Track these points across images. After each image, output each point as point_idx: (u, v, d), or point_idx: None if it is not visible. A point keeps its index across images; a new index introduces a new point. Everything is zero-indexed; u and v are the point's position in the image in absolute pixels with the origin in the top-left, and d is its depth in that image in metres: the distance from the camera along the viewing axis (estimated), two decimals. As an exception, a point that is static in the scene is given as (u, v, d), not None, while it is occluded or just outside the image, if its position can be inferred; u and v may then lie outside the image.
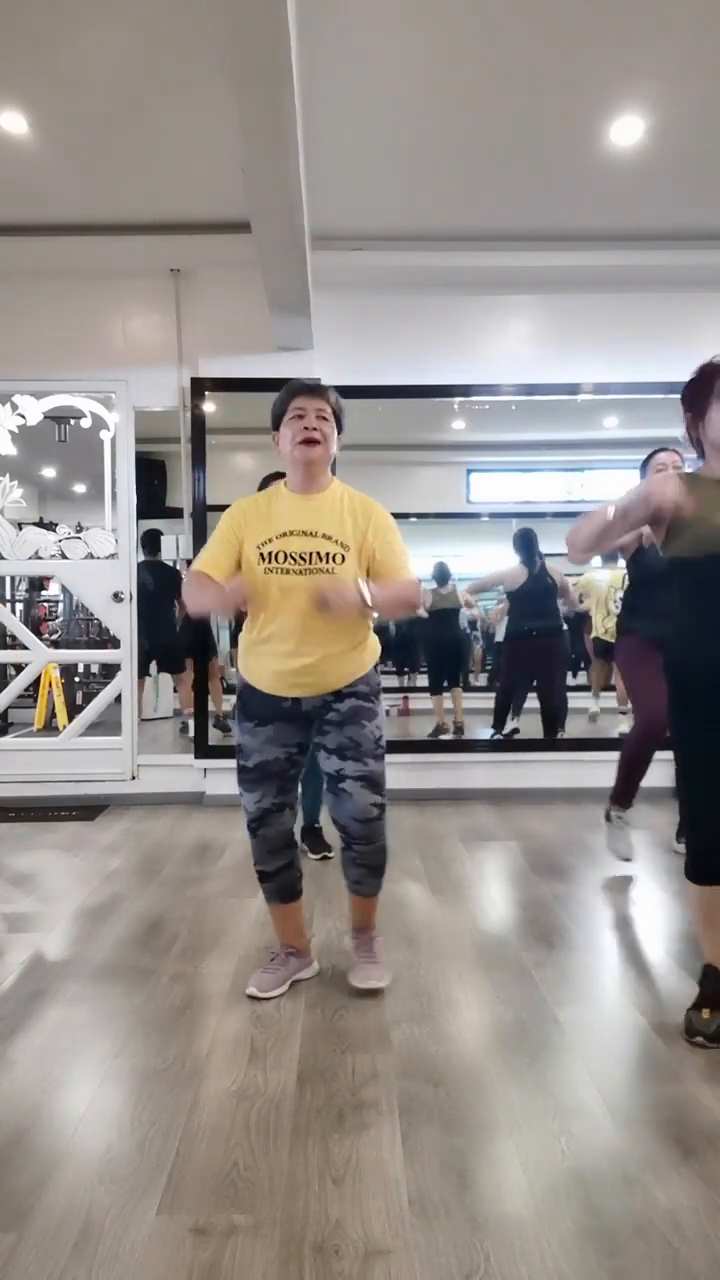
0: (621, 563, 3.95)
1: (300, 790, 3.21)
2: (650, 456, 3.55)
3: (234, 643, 2.48)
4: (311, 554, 2.22)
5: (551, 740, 5.34)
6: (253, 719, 2.33)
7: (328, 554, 2.23)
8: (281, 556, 2.23)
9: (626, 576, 3.77)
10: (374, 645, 2.39)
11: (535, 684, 5.65)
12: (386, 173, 4.10)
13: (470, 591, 6.76)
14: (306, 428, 2.25)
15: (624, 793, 3.57)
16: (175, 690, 6.92)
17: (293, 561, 2.22)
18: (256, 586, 2.23)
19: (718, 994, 2.14)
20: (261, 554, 2.24)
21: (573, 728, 6.04)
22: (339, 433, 2.36)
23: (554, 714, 5.52)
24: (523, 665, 5.76)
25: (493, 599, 6.57)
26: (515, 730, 5.76)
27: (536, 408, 5.38)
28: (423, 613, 7.25)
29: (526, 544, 5.69)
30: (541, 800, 4.78)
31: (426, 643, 7.24)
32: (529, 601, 5.70)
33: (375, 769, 2.33)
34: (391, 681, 8.02)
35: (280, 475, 2.55)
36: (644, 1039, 2.14)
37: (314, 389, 2.32)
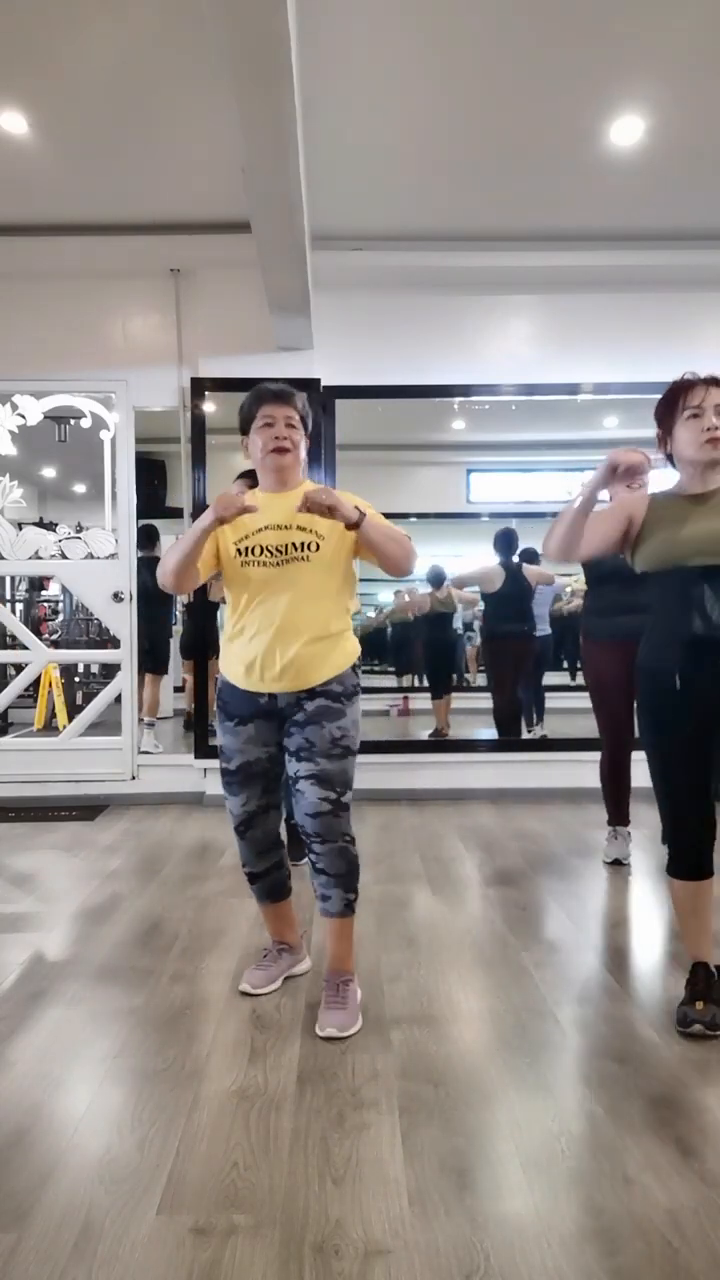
0: None
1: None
2: None
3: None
4: (287, 545, 2.24)
5: (552, 741, 5.34)
6: (232, 718, 2.33)
7: (303, 544, 2.25)
8: (258, 550, 2.25)
9: (584, 579, 3.78)
10: (352, 645, 2.37)
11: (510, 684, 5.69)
12: (386, 173, 4.10)
13: (453, 586, 6.81)
14: (277, 437, 2.29)
15: (616, 812, 3.63)
16: (178, 689, 6.92)
17: (269, 554, 2.24)
18: (235, 580, 2.28)
19: (708, 987, 2.18)
20: (238, 549, 2.27)
21: (572, 727, 6.05)
22: (306, 434, 2.38)
23: (515, 712, 5.58)
24: (503, 665, 5.78)
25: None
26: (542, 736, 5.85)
27: (536, 408, 5.39)
28: (412, 614, 7.31)
29: (506, 545, 5.70)
30: (541, 800, 4.78)
31: (423, 647, 7.27)
32: (506, 604, 5.73)
33: (327, 767, 2.25)
34: (390, 683, 8.05)
35: (249, 474, 2.58)
36: (644, 1039, 2.14)
37: (281, 395, 2.32)
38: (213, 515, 2.15)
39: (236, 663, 2.31)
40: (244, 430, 2.36)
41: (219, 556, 2.31)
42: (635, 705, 2.29)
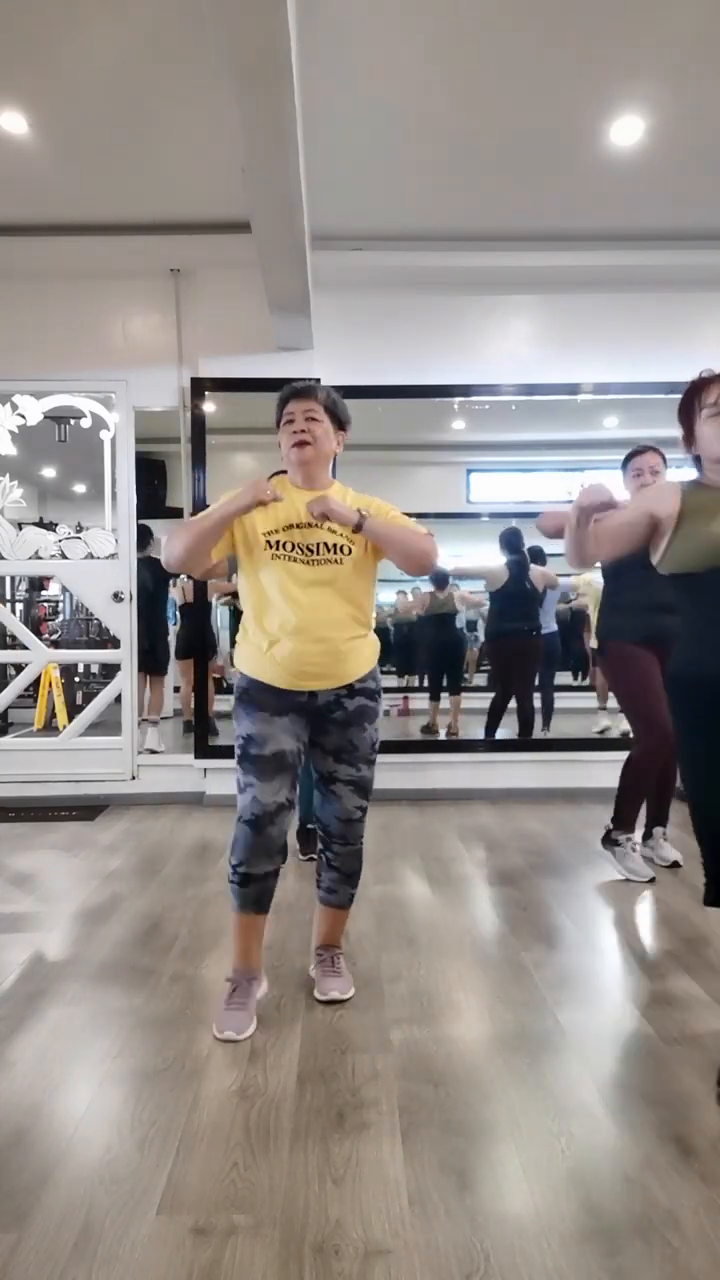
0: None
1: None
2: (630, 457, 3.51)
3: (234, 642, 2.43)
4: (319, 544, 2.25)
5: (552, 741, 5.34)
6: (264, 709, 2.26)
7: (335, 545, 2.25)
8: (289, 546, 2.24)
9: (603, 573, 3.63)
10: (375, 640, 2.40)
11: (512, 684, 5.68)
12: (386, 173, 4.10)
13: (454, 579, 6.81)
14: (295, 431, 2.30)
15: (628, 817, 3.46)
16: (176, 689, 6.92)
17: (300, 552, 2.23)
18: (261, 572, 2.25)
19: None
20: (269, 542, 2.25)
21: (572, 727, 6.06)
22: (341, 427, 2.37)
23: (529, 715, 5.56)
24: (504, 665, 5.78)
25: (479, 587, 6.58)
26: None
27: (536, 408, 5.39)
28: (416, 613, 7.31)
29: (512, 545, 5.70)
30: (541, 800, 4.78)
31: (423, 646, 7.28)
32: (510, 603, 5.72)
33: (367, 775, 2.35)
34: (390, 683, 8.05)
35: (283, 473, 2.56)
36: (644, 1039, 2.14)
37: (301, 391, 2.33)
38: (249, 497, 2.17)
39: (268, 662, 2.24)
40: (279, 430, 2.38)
41: (241, 544, 2.28)
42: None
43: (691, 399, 2.07)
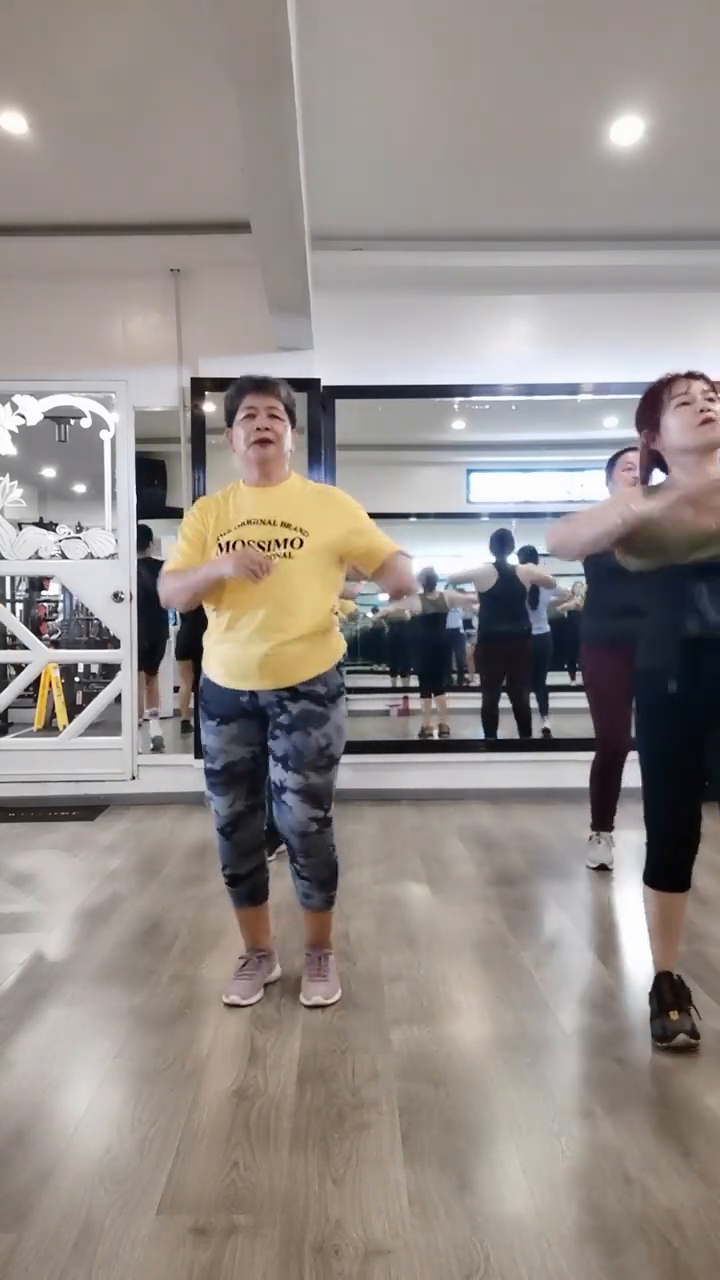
0: None
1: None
2: (616, 457, 3.54)
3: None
4: (270, 542, 2.21)
5: (551, 741, 5.34)
6: (214, 717, 2.31)
7: (285, 540, 2.22)
8: (240, 546, 2.21)
9: (586, 577, 3.72)
10: (336, 643, 2.34)
11: (506, 684, 5.68)
12: (386, 173, 4.10)
13: (449, 586, 6.83)
14: (259, 428, 2.25)
15: (600, 818, 3.60)
16: (176, 689, 6.92)
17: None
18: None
19: (677, 997, 2.12)
20: (220, 545, 2.24)
21: (571, 727, 6.05)
22: (292, 426, 2.35)
23: (526, 715, 5.56)
24: (494, 666, 5.78)
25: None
26: (546, 730, 5.81)
27: (536, 408, 5.39)
28: (409, 612, 7.33)
29: (500, 545, 5.71)
30: (541, 800, 4.78)
31: (414, 646, 7.29)
32: (498, 603, 5.72)
33: (316, 781, 2.25)
34: (387, 683, 8.06)
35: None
36: (644, 1039, 2.14)
37: (264, 385, 2.29)
38: (242, 572, 2.10)
39: (216, 660, 2.30)
40: (228, 423, 2.34)
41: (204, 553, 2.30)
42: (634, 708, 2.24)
43: (659, 392, 2.09)
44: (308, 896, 2.40)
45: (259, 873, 2.40)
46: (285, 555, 2.21)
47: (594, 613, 3.57)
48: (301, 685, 2.24)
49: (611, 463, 3.56)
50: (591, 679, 3.59)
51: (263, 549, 2.20)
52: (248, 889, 2.39)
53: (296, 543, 2.22)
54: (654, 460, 2.16)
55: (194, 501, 4.76)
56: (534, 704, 6.05)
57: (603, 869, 3.56)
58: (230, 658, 2.25)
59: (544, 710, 6.16)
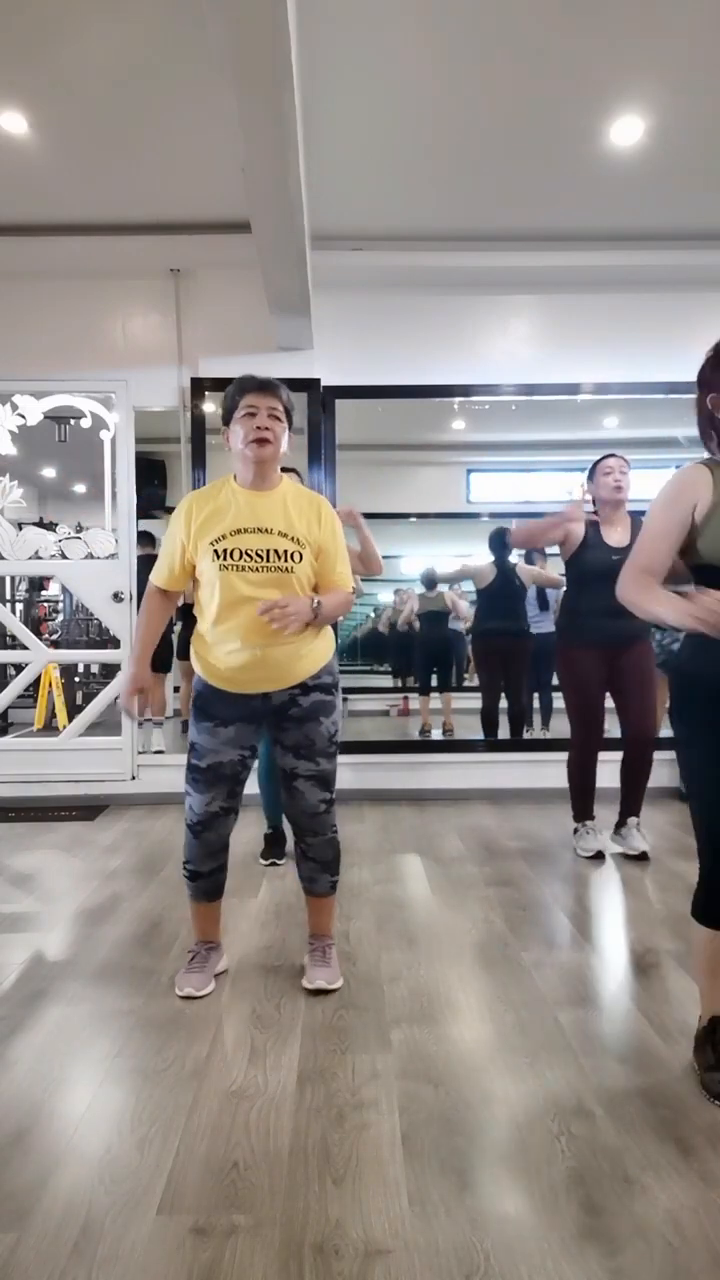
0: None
1: (262, 795, 3.26)
2: (597, 462, 3.69)
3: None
4: (269, 551, 2.24)
5: (551, 741, 5.33)
6: (212, 719, 2.33)
7: (285, 551, 2.24)
8: (238, 554, 2.23)
9: (565, 577, 3.85)
10: (329, 635, 2.44)
11: (503, 684, 5.67)
12: (386, 173, 4.10)
13: (448, 586, 6.85)
14: (259, 427, 2.26)
15: (582, 808, 3.79)
16: (176, 689, 6.91)
17: (249, 559, 2.23)
18: (212, 582, 2.26)
19: None
20: (216, 551, 2.24)
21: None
22: (289, 428, 2.36)
23: (521, 714, 5.56)
24: (491, 665, 5.77)
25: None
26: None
27: (536, 408, 5.38)
28: (403, 620, 7.37)
29: (499, 544, 5.71)
30: (541, 800, 4.78)
31: (414, 646, 7.29)
32: (496, 601, 5.71)
33: (326, 768, 2.39)
34: (386, 683, 8.06)
35: (287, 470, 2.57)
36: (644, 1039, 2.14)
37: (265, 385, 2.30)
38: (122, 699, 2.47)
39: (222, 669, 2.30)
40: (226, 421, 2.35)
41: (192, 565, 2.32)
42: (670, 711, 1.94)
43: None
44: (311, 880, 2.47)
45: (219, 872, 2.48)
46: (286, 569, 2.24)
47: (577, 613, 3.67)
48: (310, 679, 2.34)
49: (593, 468, 3.71)
50: (569, 675, 3.73)
51: (261, 558, 2.23)
52: (206, 886, 2.46)
53: (296, 555, 2.25)
54: (711, 423, 1.91)
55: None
56: (536, 704, 6.05)
57: (599, 856, 3.66)
58: (236, 665, 2.28)
59: (545, 720, 6.14)
